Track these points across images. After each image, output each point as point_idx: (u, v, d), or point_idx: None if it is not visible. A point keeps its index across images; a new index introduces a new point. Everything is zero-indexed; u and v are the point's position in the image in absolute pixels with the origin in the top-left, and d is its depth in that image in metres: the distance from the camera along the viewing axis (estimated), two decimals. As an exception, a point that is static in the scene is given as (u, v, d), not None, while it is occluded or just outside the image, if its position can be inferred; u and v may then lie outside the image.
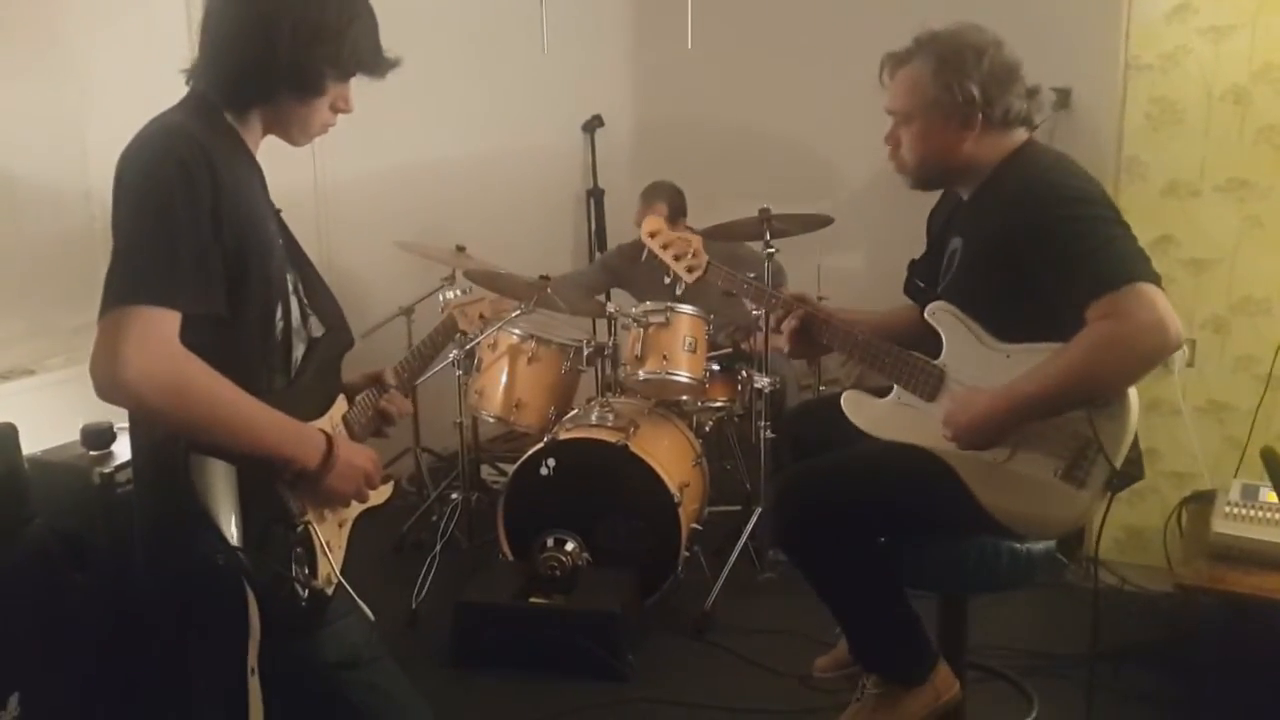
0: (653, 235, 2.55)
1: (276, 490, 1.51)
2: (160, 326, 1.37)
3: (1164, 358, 1.80)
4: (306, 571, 1.52)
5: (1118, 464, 1.86)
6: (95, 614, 2.29)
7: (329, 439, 1.55)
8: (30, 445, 2.40)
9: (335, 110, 1.62)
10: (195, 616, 1.55)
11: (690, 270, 2.47)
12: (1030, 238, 1.88)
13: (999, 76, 1.99)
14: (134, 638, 2.21)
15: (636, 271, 4.10)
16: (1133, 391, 1.89)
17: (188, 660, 1.58)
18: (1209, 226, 3.12)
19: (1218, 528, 2.58)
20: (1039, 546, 2.08)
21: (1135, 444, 1.94)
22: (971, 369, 2.01)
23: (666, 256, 2.51)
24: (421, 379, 2.04)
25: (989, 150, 2.02)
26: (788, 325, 2.23)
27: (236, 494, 1.44)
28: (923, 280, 2.18)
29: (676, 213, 4.03)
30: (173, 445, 1.42)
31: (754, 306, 2.50)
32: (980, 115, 1.98)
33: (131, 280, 1.38)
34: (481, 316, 2.20)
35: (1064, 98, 3.95)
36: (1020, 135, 2.04)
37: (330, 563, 1.59)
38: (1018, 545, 2.05)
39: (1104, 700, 2.62)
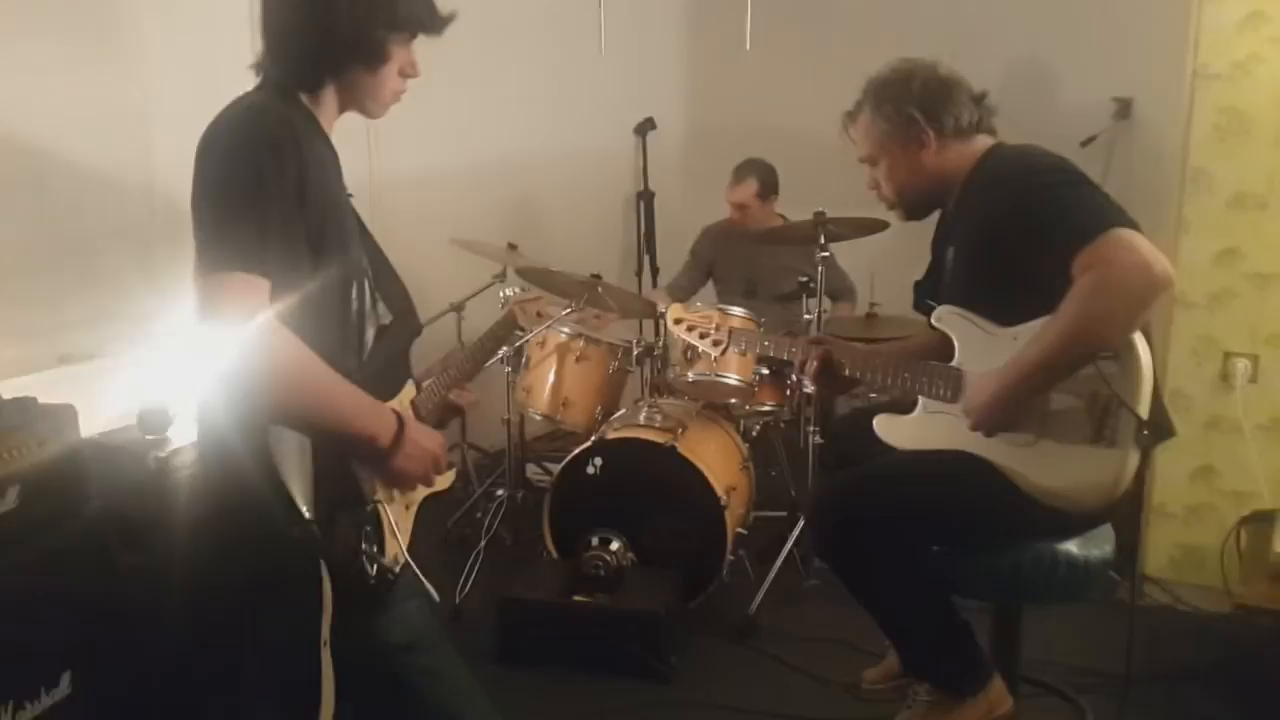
0: (677, 322, 2.63)
1: (350, 468, 1.52)
2: (252, 292, 1.40)
3: (1155, 296, 1.82)
4: (375, 549, 1.53)
5: (1141, 413, 1.85)
6: (148, 596, 2.32)
7: (400, 419, 1.56)
8: (88, 428, 2.44)
9: (403, 75, 1.64)
10: (268, 589, 1.56)
11: (716, 344, 2.56)
12: (1006, 218, 1.94)
13: (935, 92, 2.10)
14: (188, 619, 2.23)
15: (727, 250, 4.17)
16: (1140, 342, 1.88)
17: (254, 636, 1.60)
18: (1276, 239, 3.05)
19: (1279, 548, 2.53)
20: (1095, 555, 2.06)
21: (1160, 402, 1.93)
22: (986, 361, 2.02)
23: (692, 338, 2.60)
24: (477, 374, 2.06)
25: (955, 160, 2.11)
26: (810, 368, 2.28)
27: (311, 469, 1.45)
28: (930, 298, 2.22)
29: (768, 189, 4.09)
30: (251, 419, 1.44)
31: (782, 362, 2.57)
32: (930, 131, 2.08)
33: (226, 248, 1.41)
34: (540, 314, 2.22)
35: (1124, 108, 3.88)
36: (984, 141, 2.12)
37: (399, 543, 1.60)
38: (1075, 553, 2.03)
39: (1158, 720, 2.57)
